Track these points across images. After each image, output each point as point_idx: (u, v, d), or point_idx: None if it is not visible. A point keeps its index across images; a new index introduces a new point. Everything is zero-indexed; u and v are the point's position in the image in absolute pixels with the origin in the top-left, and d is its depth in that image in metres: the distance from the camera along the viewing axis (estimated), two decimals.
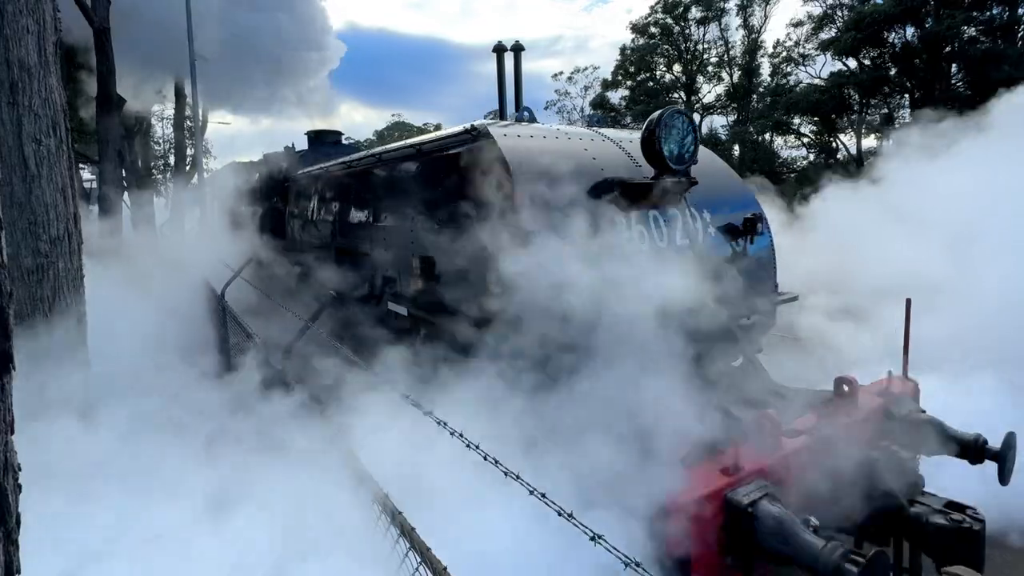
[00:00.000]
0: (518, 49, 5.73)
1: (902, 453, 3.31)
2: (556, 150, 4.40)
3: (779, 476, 3.17)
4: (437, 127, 45.05)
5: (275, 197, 9.70)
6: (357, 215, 6.31)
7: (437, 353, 4.34)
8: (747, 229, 4.72)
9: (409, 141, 5.13)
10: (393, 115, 58.43)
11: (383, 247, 5.70)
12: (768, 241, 5.01)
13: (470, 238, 4.21)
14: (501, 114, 5.96)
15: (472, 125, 4.32)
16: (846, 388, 3.77)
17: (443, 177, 4.59)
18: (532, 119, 5.09)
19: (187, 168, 21.79)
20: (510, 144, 4.16)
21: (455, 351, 4.16)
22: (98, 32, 11.52)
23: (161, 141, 31.59)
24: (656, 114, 4.17)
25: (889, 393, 3.91)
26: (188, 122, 20.19)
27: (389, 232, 5.58)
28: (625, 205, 4.29)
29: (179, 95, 18.22)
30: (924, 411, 3.90)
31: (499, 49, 5.71)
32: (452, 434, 2.95)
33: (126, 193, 15.66)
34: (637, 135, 5.21)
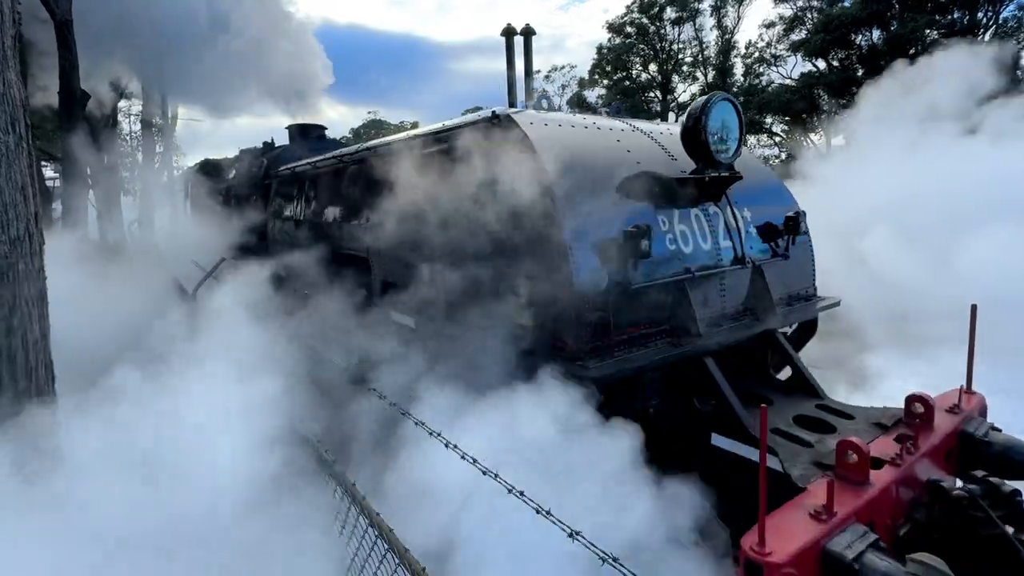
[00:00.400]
0: (528, 33, 5.16)
1: (1004, 486, 2.86)
2: (588, 142, 3.86)
3: (871, 518, 2.68)
4: (414, 125, 44.03)
5: (254, 195, 8.95)
6: (349, 214, 5.67)
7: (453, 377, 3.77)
8: (789, 228, 4.24)
9: (417, 131, 4.53)
10: (369, 112, 56.99)
11: (380, 249, 5.08)
12: (807, 241, 4.54)
13: (494, 244, 3.64)
14: (511, 102, 5.44)
15: (494, 112, 3.74)
16: (920, 407, 3.31)
17: (460, 172, 4.00)
18: (551, 108, 4.53)
19: (156, 166, 20.71)
20: (539, 136, 3.60)
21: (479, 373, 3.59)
22: (60, 25, 10.65)
23: (129, 138, 30.07)
24: (700, 100, 3.65)
25: (962, 411, 3.47)
26: (157, 119, 19.11)
27: (387, 233, 4.97)
28: (666, 203, 3.77)
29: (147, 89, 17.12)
30: (999, 429, 3.47)
31: (508, 32, 5.14)
32: (430, 433, 2.91)
33: (91, 191, 14.61)
34: (666, 127, 4.71)
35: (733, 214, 4.06)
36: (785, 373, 4.15)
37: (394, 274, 4.80)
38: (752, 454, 3.27)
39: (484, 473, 2.57)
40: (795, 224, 4.23)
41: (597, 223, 3.36)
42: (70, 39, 10.77)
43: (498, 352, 3.54)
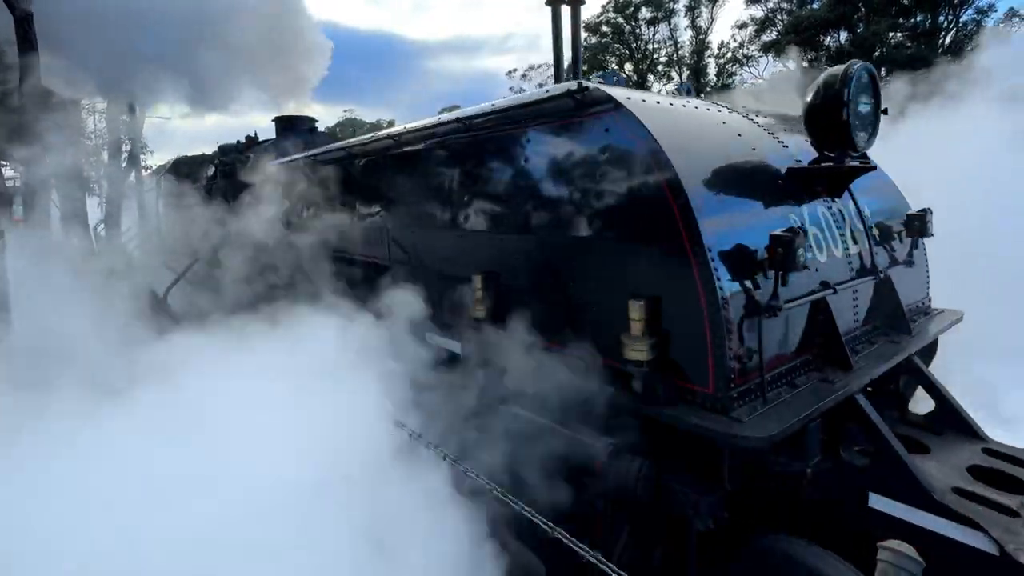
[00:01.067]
0: (577, 2, 4.30)
1: None
2: (696, 124, 3.00)
3: None
4: (390, 123, 42.61)
5: (239, 193, 7.82)
6: (369, 214, 4.69)
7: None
8: (914, 229, 3.47)
9: (463, 112, 3.60)
10: (345, 111, 54.86)
11: (411, 255, 4.14)
12: (921, 245, 3.76)
13: (592, 253, 2.75)
14: (556, 78, 4.61)
15: (579, 83, 2.83)
16: None
17: (534, 160, 3.10)
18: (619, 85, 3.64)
19: (123, 164, 19.20)
20: (647, 114, 2.71)
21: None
22: (20, 20, 9.52)
23: (93, 135, 28.06)
24: (840, 70, 2.81)
25: None
26: (123, 115, 17.67)
27: (423, 236, 4.03)
28: (793, 199, 2.93)
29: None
30: None
31: (554, 1, 4.30)
32: (444, 457, 2.97)
33: (54, 192, 13.19)
34: (755, 109, 3.87)
35: (859, 212, 3.25)
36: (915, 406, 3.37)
37: (431, 288, 3.85)
38: (931, 522, 2.46)
39: (466, 472, 2.73)
40: (921, 224, 3.45)
41: (735, 224, 2.51)
42: (31, 34, 9.75)
43: (595, 398, 2.66)
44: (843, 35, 31.22)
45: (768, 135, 3.25)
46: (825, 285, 2.81)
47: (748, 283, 2.47)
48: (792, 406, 2.37)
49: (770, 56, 32.32)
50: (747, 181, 2.79)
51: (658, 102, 3.00)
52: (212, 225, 8.00)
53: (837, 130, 2.83)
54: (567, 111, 2.96)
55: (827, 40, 31.38)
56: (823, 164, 2.95)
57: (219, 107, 7.57)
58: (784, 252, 2.38)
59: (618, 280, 2.63)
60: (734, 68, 33.49)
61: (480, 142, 3.47)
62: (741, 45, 32.96)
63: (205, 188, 9.26)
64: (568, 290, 2.89)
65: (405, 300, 3.68)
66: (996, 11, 28.03)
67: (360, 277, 4.57)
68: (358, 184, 4.86)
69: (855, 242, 3.15)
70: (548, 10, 4.38)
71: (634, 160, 2.57)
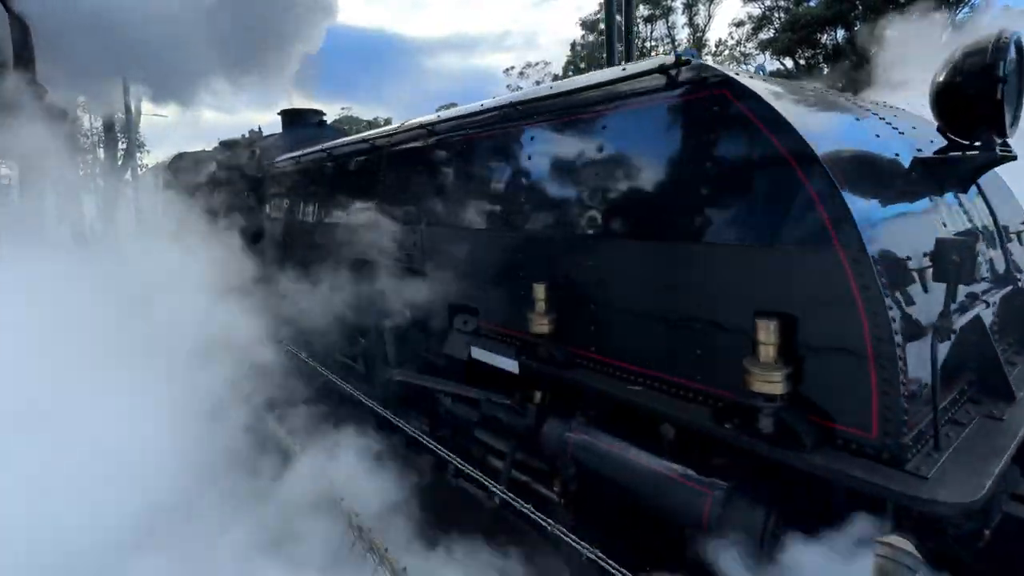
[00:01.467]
0: None
1: None
2: (818, 110, 2.48)
3: None
4: (387, 121, 41.81)
5: (246, 191, 7.25)
6: (403, 211, 4.14)
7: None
8: None
9: (517, 95, 3.04)
10: (343, 108, 54.15)
11: (450, 258, 3.60)
12: None
13: (713, 261, 2.23)
14: (609, 61, 4.15)
15: (678, 57, 2.30)
16: None
17: (618, 151, 2.56)
18: None
19: (119, 163, 18.56)
20: (774, 97, 2.18)
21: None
22: (16, 18, 9.00)
23: (89, 133, 27.31)
24: (988, 39, 2.29)
25: None
26: (119, 114, 17.05)
27: (467, 238, 3.49)
28: (926, 194, 2.42)
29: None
30: None
31: None
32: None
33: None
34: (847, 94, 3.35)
35: (990, 210, 2.75)
36: None
37: (479, 294, 3.32)
38: None
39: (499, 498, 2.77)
40: None
41: (882, 225, 1.99)
42: (27, 32, 9.25)
43: (708, 438, 2.14)
44: (840, 33, 30.96)
45: (883, 122, 2.74)
46: (973, 298, 2.31)
47: (902, 297, 1.96)
48: (973, 453, 1.86)
49: (767, 54, 31.99)
50: (881, 174, 2.28)
51: (765, 81, 2.48)
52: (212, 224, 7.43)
53: (987, 111, 2.31)
54: (657, 90, 2.43)
55: (824, 38, 31.12)
56: (959, 153, 2.44)
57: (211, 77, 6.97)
58: (960, 261, 1.86)
59: (733, 294, 2.12)
60: (732, 66, 33.13)
61: (541, 130, 2.94)
62: (738, 43, 32.56)
63: (207, 184, 8.67)
64: (661, 304, 2.38)
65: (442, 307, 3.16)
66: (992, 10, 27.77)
67: (391, 281, 4.03)
68: (386, 180, 4.31)
69: (989, 245, 2.65)
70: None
71: (759, 146, 2.05)
